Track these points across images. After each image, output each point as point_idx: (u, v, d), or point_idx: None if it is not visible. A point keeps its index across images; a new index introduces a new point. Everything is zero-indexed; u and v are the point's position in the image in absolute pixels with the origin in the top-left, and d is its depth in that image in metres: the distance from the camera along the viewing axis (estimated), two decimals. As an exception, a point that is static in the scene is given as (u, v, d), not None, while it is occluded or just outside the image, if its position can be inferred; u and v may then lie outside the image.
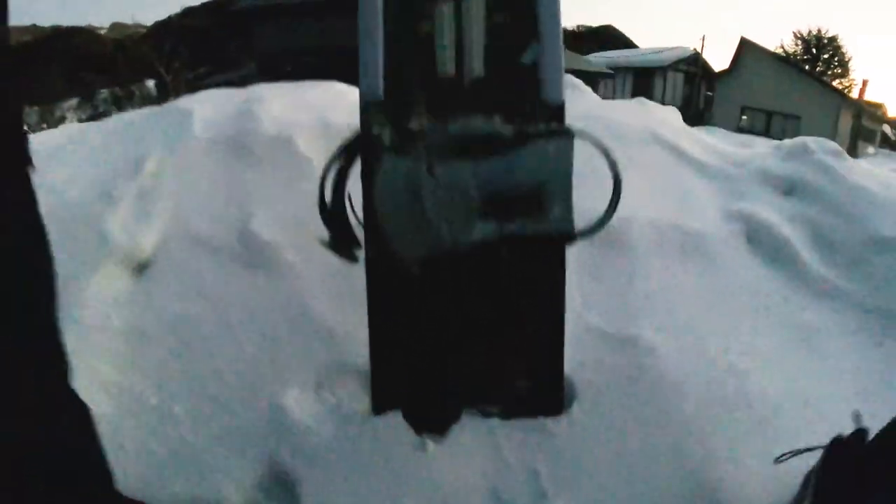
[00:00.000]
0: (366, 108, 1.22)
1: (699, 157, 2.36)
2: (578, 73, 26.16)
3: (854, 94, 26.51)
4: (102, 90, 22.80)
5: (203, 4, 33.80)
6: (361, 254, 1.33)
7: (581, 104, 2.73)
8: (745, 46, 26.52)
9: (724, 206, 2.18)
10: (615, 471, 1.25)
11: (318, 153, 2.05)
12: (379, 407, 1.36)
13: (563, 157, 1.23)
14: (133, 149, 2.20)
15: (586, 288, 1.74)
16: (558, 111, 1.23)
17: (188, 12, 33.83)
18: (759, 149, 2.59)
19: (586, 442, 1.31)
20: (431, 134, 1.22)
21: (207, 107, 2.44)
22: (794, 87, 23.82)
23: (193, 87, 11.20)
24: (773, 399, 1.44)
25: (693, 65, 31.12)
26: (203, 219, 1.87)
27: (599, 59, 38.88)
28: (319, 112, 2.35)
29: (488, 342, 1.34)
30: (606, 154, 1.28)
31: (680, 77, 32.22)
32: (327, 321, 1.57)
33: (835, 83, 28.86)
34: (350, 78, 1.77)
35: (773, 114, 24.42)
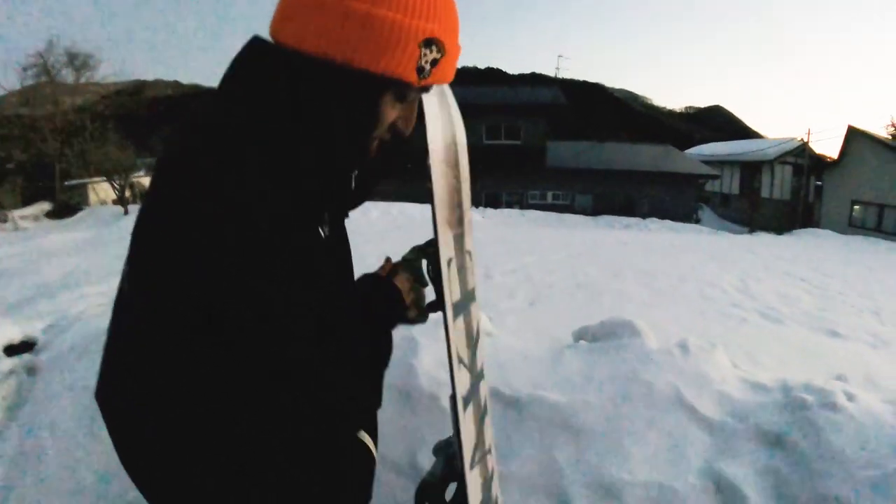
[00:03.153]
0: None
1: (708, 415, 2.85)
2: (683, 177, 26.69)
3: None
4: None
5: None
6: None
7: (624, 367, 3.03)
8: (852, 135, 24.61)
9: (707, 462, 2.49)
10: None
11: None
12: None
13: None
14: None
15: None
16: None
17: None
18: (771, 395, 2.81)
19: None
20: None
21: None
22: (907, 177, 21.57)
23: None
24: None
25: (800, 156, 30.64)
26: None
27: (704, 152, 39.10)
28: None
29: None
30: None
31: (788, 169, 31.57)
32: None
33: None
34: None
35: (885, 207, 21.99)
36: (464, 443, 1.27)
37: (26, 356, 3.44)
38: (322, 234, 0.97)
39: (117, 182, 28.36)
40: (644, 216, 24.19)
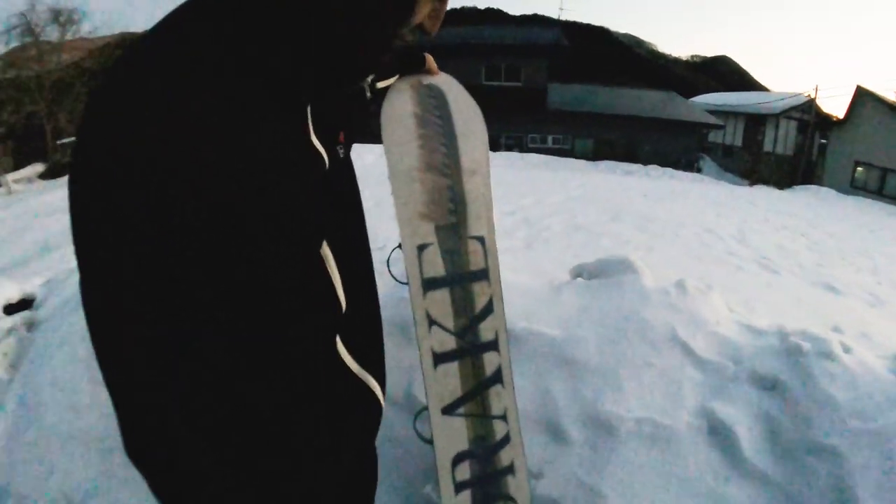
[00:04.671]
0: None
1: (704, 356, 2.87)
2: (686, 125, 26.35)
3: None
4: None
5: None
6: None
7: (620, 304, 2.96)
8: (860, 96, 24.15)
9: (701, 401, 2.49)
10: None
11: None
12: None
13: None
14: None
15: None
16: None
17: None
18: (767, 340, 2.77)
19: None
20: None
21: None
22: (913, 143, 21.19)
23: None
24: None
25: (807, 112, 30.22)
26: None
27: (709, 101, 38.53)
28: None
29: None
30: None
31: (792, 125, 31.20)
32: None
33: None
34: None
35: (888, 171, 21.67)
36: (429, 390, 1.58)
37: (26, 313, 3.43)
38: (321, 152, 0.75)
39: (110, 136, 27.86)
40: (645, 163, 23.98)
